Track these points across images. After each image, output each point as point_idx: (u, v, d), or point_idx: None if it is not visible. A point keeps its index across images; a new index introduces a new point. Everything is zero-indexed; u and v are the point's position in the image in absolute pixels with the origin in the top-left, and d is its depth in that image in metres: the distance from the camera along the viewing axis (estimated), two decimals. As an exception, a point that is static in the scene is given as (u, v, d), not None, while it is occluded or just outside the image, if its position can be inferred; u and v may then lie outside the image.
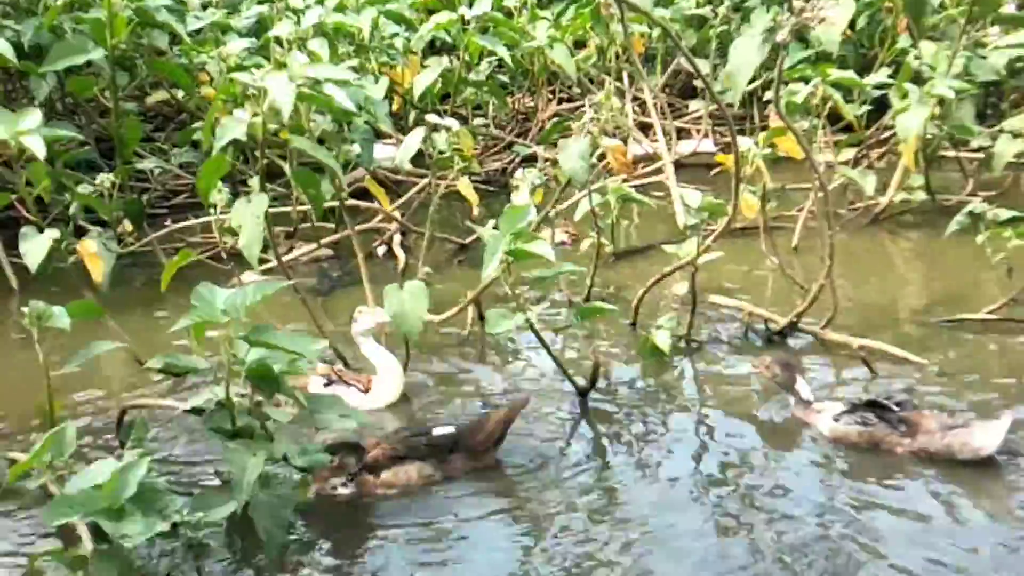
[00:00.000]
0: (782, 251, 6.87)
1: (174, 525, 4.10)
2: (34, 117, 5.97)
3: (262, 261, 6.94)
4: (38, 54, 7.74)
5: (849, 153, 8.29)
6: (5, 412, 5.54)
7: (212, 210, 5.81)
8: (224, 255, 6.51)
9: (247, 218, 5.40)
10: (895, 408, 4.93)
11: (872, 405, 4.98)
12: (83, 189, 6.53)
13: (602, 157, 6.20)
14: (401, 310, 5.43)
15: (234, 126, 5.31)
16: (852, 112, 7.59)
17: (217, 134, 5.30)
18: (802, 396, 5.22)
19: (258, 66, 6.92)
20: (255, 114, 5.37)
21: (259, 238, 5.38)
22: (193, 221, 7.79)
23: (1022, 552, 4.09)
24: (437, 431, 4.74)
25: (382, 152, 8.61)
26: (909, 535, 4.22)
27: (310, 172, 5.90)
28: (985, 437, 4.72)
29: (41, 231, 5.97)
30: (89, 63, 7.61)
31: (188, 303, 4.22)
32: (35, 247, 5.88)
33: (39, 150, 5.85)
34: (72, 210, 6.60)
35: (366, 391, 5.61)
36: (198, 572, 4.20)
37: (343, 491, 4.66)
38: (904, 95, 7.49)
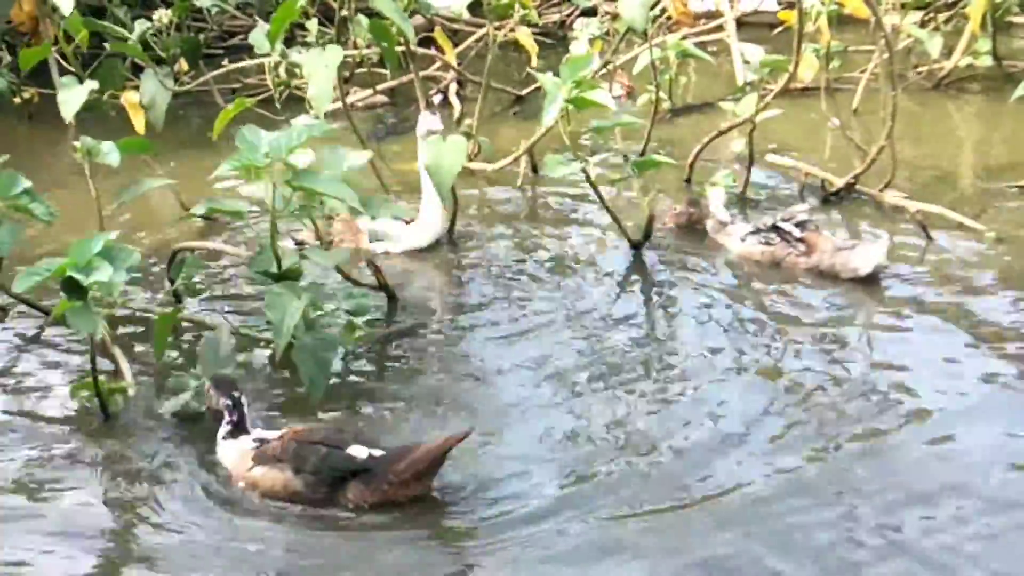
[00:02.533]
0: (843, 112, 6.78)
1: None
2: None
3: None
4: None
5: (916, 15, 8.11)
6: (59, 245, 5.59)
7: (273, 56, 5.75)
8: (277, 102, 6.49)
9: (319, 68, 5.37)
10: (795, 229, 5.35)
11: (775, 228, 5.38)
12: (139, 27, 6.49)
13: (663, 10, 6.11)
14: (437, 162, 5.35)
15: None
16: (921, -28, 7.42)
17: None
18: (719, 218, 5.53)
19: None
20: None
21: (330, 89, 5.37)
22: (249, 62, 7.76)
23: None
24: (353, 450, 3.74)
25: (440, 1, 8.50)
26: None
27: (384, 24, 5.84)
28: (863, 259, 5.12)
29: (81, 81, 5.94)
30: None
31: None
32: (72, 97, 5.85)
33: (65, 6, 5.80)
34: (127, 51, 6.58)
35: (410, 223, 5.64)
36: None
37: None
38: (977, -42, 7.32)
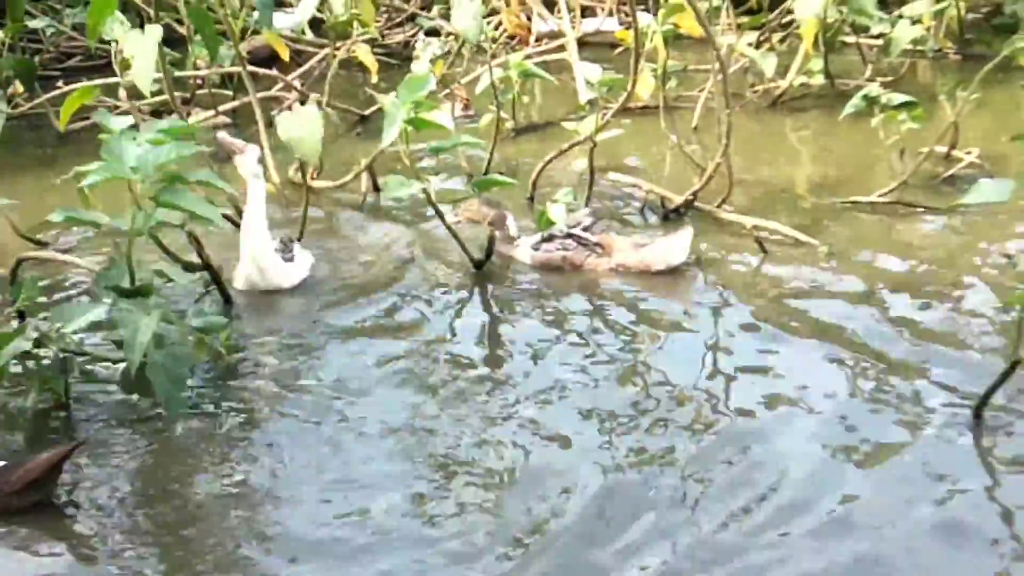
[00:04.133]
0: (682, 131, 6.90)
1: (37, 342, 4.11)
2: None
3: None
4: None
5: (751, 36, 8.30)
6: None
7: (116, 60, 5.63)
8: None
9: (140, 48, 5.25)
10: (587, 234, 5.57)
11: (569, 236, 5.57)
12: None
13: (505, 29, 6.15)
14: (297, 135, 5.31)
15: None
16: (755, -6, 7.60)
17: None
18: (511, 232, 5.66)
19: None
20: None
21: (152, 68, 5.23)
22: (86, 83, 7.61)
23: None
24: None
25: (281, 20, 8.45)
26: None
27: (205, 12, 5.76)
28: (675, 250, 5.46)
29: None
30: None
31: (81, 165, 4.17)
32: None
33: None
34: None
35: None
36: (65, 391, 4.25)
37: None
38: (795, -23, 7.52)
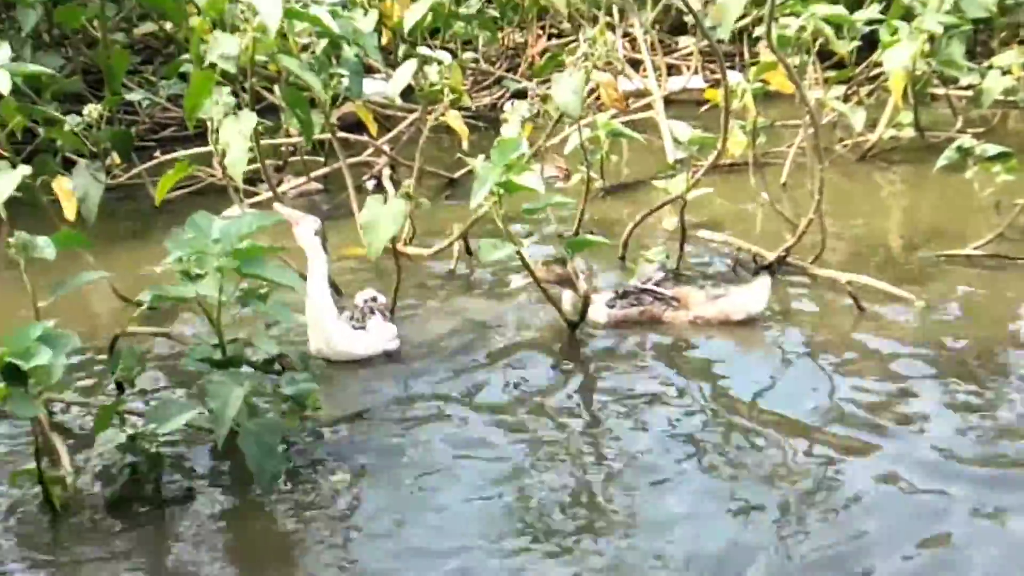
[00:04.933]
0: (771, 186, 6.88)
1: (131, 438, 4.16)
2: (2, 52, 5.85)
3: (249, 195, 6.97)
4: (23, -17, 7.71)
5: (839, 89, 8.27)
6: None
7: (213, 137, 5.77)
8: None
9: (234, 136, 5.38)
10: (661, 289, 5.62)
11: (643, 291, 5.61)
12: (70, 121, 6.47)
13: (593, 92, 6.19)
14: (374, 220, 5.35)
15: (224, 41, 5.29)
16: (843, 48, 7.56)
17: (206, 50, 5.28)
18: (581, 292, 5.53)
19: None
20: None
21: (245, 156, 5.37)
22: (182, 153, 7.75)
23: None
24: None
25: (371, 87, 8.55)
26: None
27: (300, 94, 5.87)
28: (755, 299, 5.52)
29: (14, 167, 5.89)
30: (77, -7, 7.56)
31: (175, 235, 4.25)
32: (3, 182, 5.79)
33: (4, 87, 5.77)
34: (59, 143, 6.55)
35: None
36: (156, 485, 4.26)
37: None
38: (894, 31, 7.48)
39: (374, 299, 5.62)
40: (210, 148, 5.79)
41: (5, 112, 6.07)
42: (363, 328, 5.42)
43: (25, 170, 5.78)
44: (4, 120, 6.05)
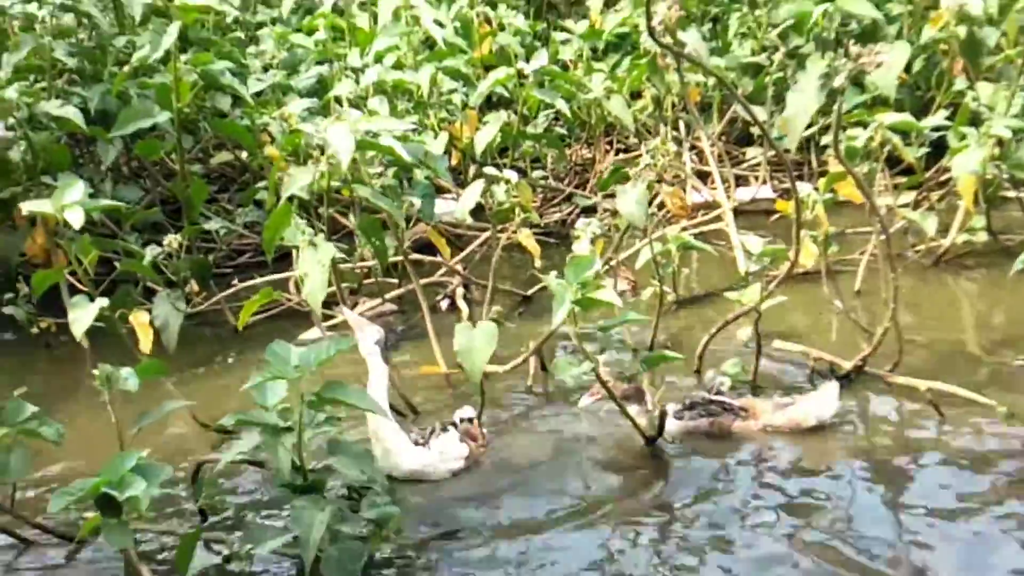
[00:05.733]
0: (845, 295, 6.86)
1: (226, 559, 4.20)
2: (77, 189, 5.97)
3: (326, 317, 7.06)
4: (103, 119, 7.93)
5: (909, 196, 8.28)
6: (78, 471, 5.62)
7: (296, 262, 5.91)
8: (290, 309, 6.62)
9: (313, 266, 5.51)
10: (728, 399, 5.61)
11: (711, 402, 5.60)
12: (150, 252, 6.62)
13: (661, 205, 6.26)
14: (468, 346, 5.42)
15: (301, 176, 5.44)
16: (911, 155, 7.57)
17: (283, 185, 5.42)
18: (648, 406, 5.52)
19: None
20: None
21: (324, 286, 5.49)
22: (259, 280, 7.89)
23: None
24: None
25: (442, 207, 8.68)
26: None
27: (375, 221, 5.99)
28: (825, 405, 5.52)
29: (92, 299, 6.03)
30: (155, 126, 7.76)
31: (255, 361, 4.32)
32: (83, 315, 5.91)
33: (77, 223, 5.91)
34: (139, 274, 6.68)
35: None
36: None
37: None
38: (962, 137, 7.49)
39: (470, 419, 5.63)
40: (286, 274, 5.91)
41: (82, 249, 6.23)
42: (424, 446, 5.41)
43: (103, 303, 5.92)
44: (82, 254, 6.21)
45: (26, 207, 6.09)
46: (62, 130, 7.91)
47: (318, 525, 4.17)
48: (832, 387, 5.58)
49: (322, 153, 5.64)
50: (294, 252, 5.81)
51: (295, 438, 4.37)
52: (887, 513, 4.78)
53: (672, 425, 5.59)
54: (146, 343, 6.28)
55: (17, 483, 4.95)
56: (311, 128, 5.64)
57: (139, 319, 6.32)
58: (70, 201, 5.87)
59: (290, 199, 5.62)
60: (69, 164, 7.88)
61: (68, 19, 8.48)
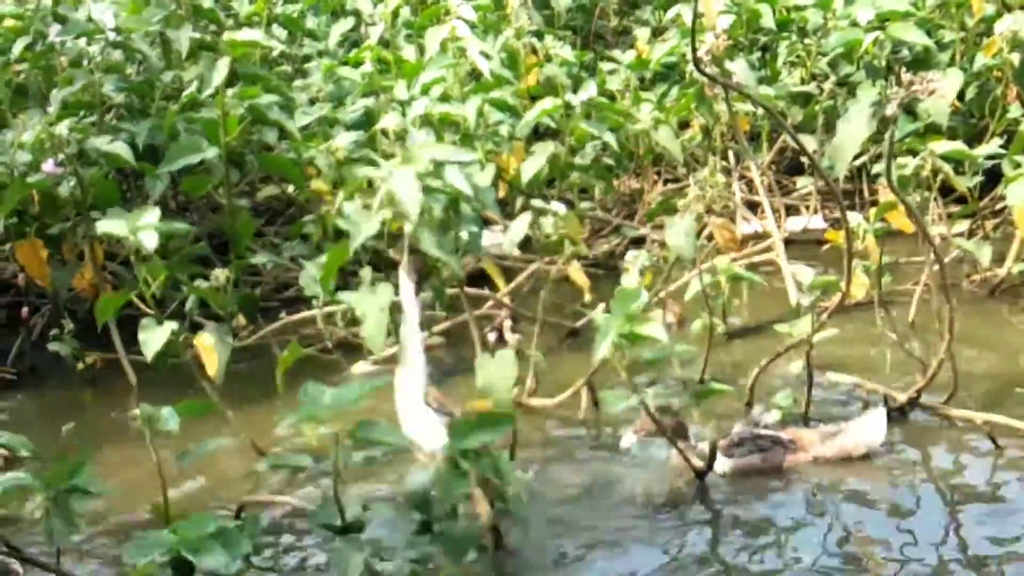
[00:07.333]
0: (899, 326, 6.76)
1: None
2: (152, 214, 6.04)
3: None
4: (151, 154, 7.95)
5: (963, 225, 8.16)
6: (123, 507, 5.60)
7: (315, 301, 5.89)
8: (331, 346, 6.60)
9: (372, 309, 5.49)
10: (775, 433, 5.50)
11: (759, 437, 5.47)
12: (199, 284, 6.62)
13: (711, 236, 6.20)
14: (488, 382, 5.33)
15: (366, 226, 5.37)
16: (964, 184, 7.46)
17: (351, 231, 5.37)
18: (692, 441, 5.44)
19: (368, 161, 7.03)
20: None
21: (383, 329, 5.46)
22: (307, 313, 7.85)
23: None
24: None
25: (488, 239, 8.62)
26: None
27: (434, 261, 5.95)
28: (873, 432, 5.47)
29: (160, 323, 6.03)
30: (202, 161, 7.77)
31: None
32: (153, 337, 5.93)
33: (151, 244, 5.92)
34: (188, 305, 6.66)
35: None
36: None
37: None
38: (1016, 165, 7.37)
39: None
40: (334, 307, 5.87)
41: (152, 272, 6.21)
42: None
43: (173, 325, 5.93)
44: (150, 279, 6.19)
45: (100, 227, 6.15)
46: (111, 166, 7.93)
47: (354, 567, 4.12)
48: (879, 413, 5.51)
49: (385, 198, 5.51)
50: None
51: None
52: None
53: (723, 463, 5.49)
54: (211, 366, 6.24)
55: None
56: (374, 172, 5.55)
57: (204, 342, 6.29)
58: (145, 223, 5.93)
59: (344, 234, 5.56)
60: (117, 199, 7.91)
61: (117, 55, 8.54)
